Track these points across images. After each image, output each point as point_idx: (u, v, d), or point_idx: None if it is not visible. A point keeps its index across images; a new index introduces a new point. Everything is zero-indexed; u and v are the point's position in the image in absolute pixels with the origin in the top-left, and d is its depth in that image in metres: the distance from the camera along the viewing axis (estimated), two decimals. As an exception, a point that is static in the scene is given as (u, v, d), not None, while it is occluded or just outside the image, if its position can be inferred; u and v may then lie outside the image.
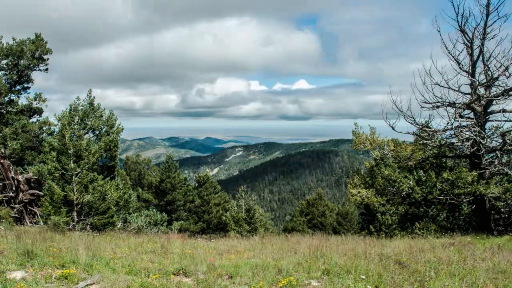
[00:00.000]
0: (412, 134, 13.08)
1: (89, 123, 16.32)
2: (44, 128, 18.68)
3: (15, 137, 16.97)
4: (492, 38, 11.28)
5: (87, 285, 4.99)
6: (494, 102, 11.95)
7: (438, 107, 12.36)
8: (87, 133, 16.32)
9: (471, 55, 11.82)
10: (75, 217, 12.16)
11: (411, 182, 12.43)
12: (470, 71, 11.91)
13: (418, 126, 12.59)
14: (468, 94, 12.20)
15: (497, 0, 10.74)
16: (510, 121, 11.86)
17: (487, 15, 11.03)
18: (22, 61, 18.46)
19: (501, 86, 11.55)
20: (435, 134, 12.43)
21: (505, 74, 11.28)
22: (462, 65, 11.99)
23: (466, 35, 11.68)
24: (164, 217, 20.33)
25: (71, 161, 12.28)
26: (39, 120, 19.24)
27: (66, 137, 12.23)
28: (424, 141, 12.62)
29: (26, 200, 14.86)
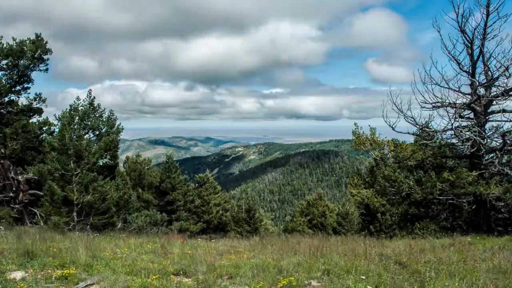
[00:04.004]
0: (412, 134, 13.10)
1: (89, 123, 16.32)
2: (44, 128, 18.67)
3: (15, 137, 16.97)
4: (492, 38, 11.28)
5: (87, 285, 4.99)
6: (494, 102, 11.96)
7: (438, 107, 12.38)
8: (87, 133, 16.33)
9: (471, 55, 11.83)
10: (75, 217, 12.16)
11: (411, 182, 12.43)
12: (470, 71, 11.92)
13: (418, 126, 12.61)
14: (468, 94, 12.21)
15: (497, 0, 10.75)
16: (510, 121, 11.88)
17: (487, 15, 11.03)
18: (22, 61, 18.43)
19: (501, 86, 11.56)
20: (435, 134, 12.44)
21: (505, 74, 11.29)
22: (462, 65, 12.00)
23: (466, 35, 11.68)
24: (164, 217, 20.34)
25: (71, 161, 12.28)
26: (39, 120, 19.23)
27: (66, 137, 12.24)
28: (424, 141, 12.63)
29: (26, 200, 14.87)
